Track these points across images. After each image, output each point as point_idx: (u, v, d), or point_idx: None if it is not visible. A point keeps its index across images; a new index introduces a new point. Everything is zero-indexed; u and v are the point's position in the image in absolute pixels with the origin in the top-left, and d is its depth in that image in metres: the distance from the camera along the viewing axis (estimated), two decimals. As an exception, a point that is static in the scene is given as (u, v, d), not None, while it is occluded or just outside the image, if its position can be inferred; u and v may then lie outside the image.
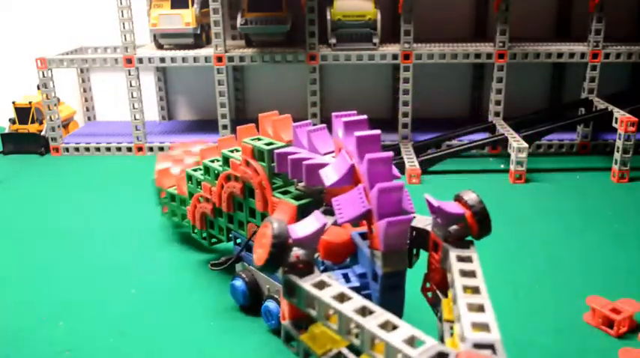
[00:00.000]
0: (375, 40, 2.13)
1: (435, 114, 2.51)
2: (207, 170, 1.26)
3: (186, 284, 1.32)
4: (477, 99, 2.52)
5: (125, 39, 2.18)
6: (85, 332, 1.15)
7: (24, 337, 1.14)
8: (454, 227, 0.90)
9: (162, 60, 2.19)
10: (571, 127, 2.15)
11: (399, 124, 2.21)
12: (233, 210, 1.20)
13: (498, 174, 1.98)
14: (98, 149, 2.30)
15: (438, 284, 0.95)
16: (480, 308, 0.76)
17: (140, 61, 2.20)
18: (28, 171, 2.13)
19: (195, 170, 1.32)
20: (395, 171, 0.90)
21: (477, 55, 2.13)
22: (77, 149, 2.30)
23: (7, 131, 2.32)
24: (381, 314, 0.75)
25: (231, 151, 1.19)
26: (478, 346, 0.68)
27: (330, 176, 0.90)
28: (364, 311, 0.77)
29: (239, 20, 2.16)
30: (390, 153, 0.86)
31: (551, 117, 2.16)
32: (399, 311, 0.89)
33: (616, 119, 1.89)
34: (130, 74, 2.22)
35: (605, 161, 2.05)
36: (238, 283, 1.18)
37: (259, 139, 1.13)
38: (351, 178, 0.89)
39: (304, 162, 0.97)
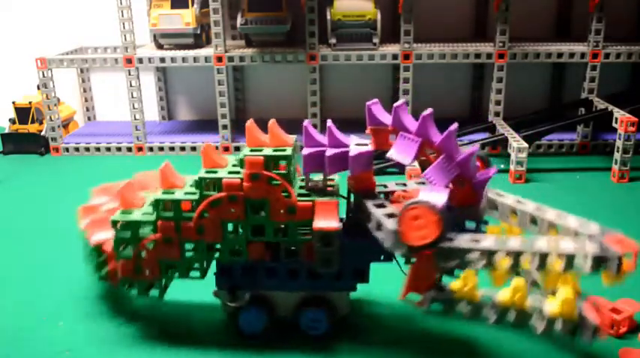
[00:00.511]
0: (375, 40, 2.13)
1: (435, 114, 2.50)
2: (160, 205, 1.05)
3: (187, 284, 1.32)
4: (477, 99, 2.52)
5: (125, 39, 2.18)
6: (85, 332, 1.15)
7: (24, 337, 1.14)
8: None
9: (162, 60, 2.19)
10: (571, 127, 2.15)
11: (399, 124, 2.21)
12: (221, 238, 1.05)
13: (498, 174, 1.98)
14: (98, 149, 2.30)
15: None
16: None
17: (140, 61, 2.20)
18: (28, 171, 2.13)
19: (125, 213, 1.08)
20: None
21: (477, 55, 2.13)
22: (77, 149, 2.30)
23: (7, 131, 2.32)
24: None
25: (209, 172, 1.05)
26: None
27: (403, 157, 1.01)
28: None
29: (239, 20, 2.16)
30: (455, 125, 1.01)
31: (551, 117, 2.15)
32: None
33: (616, 119, 1.89)
34: (130, 74, 2.22)
35: (605, 161, 2.05)
36: (254, 311, 1.10)
37: (259, 150, 1.04)
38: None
39: (351, 154, 1.01)
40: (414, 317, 1.17)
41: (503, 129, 2.05)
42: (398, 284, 1.04)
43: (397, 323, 1.16)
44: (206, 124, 2.51)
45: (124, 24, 2.15)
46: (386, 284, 1.11)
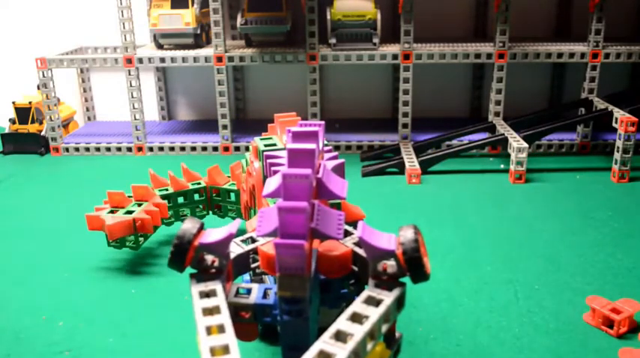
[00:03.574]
0: (375, 40, 2.13)
1: (435, 114, 2.51)
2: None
3: (187, 284, 1.32)
4: (477, 99, 2.52)
5: (125, 39, 2.18)
6: (85, 332, 1.15)
7: (24, 337, 1.14)
8: (384, 263, 0.82)
9: (163, 60, 2.19)
10: (571, 127, 2.15)
11: (399, 124, 2.21)
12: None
13: (498, 174, 1.98)
14: (98, 149, 2.30)
15: None
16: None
17: (140, 61, 2.20)
18: (28, 171, 2.13)
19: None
20: (339, 190, 0.86)
21: (477, 55, 2.13)
22: (77, 149, 2.30)
23: (7, 131, 2.32)
24: (217, 338, 0.72)
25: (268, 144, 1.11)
26: None
27: (269, 187, 0.84)
28: (209, 331, 0.74)
29: (239, 20, 2.16)
30: (309, 171, 0.79)
31: (551, 117, 2.16)
32: (303, 341, 0.81)
33: (616, 119, 1.89)
34: (130, 74, 2.22)
35: (605, 161, 2.05)
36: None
37: (270, 139, 1.09)
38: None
39: (273, 168, 0.91)
40: None
41: (503, 129, 2.05)
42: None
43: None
44: (206, 124, 2.51)
45: (124, 24, 2.15)
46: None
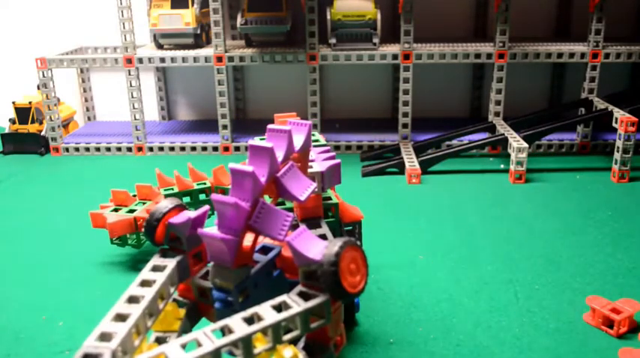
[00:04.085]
0: (375, 40, 2.13)
1: (435, 114, 2.51)
2: None
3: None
4: (477, 99, 2.52)
5: (125, 39, 2.18)
6: (85, 332, 1.15)
7: (24, 337, 1.14)
8: (307, 270, 0.83)
9: (163, 60, 2.19)
10: (571, 127, 2.15)
11: (399, 124, 2.21)
12: None
13: (498, 174, 1.98)
14: (98, 149, 2.30)
15: None
16: None
17: (140, 61, 2.20)
18: (28, 171, 2.13)
19: None
20: (298, 191, 0.89)
21: (477, 55, 2.13)
22: (77, 149, 2.30)
23: (7, 131, 2.32)
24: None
25: None
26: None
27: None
28: (130, 299, 0.81)
29: (239, 20, 2.16)
30: (251, 169, 0.83)
31: (551, 118, 2.16)
32: None
33: (616, 119, 1.89)
34: (130, 74, 2.22)
35: (605, 161, 2.05)
36: None
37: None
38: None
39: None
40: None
41: (503, 129, 2.05)
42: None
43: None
44: (206, 124, 2.51)
45: (124, 24, 2.15)
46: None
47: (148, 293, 0.82)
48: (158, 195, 1.48)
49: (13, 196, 1.89)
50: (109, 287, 1.32)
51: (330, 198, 1.14)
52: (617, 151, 1.88)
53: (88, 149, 2.30)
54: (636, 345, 1.07)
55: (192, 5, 2.20)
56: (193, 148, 2.28)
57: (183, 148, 2.28)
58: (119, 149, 2.30)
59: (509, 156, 1.95)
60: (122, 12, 2.14)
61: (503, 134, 2.00)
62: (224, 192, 1.51)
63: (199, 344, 0.73)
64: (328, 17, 2.14)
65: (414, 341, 1.10)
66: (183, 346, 0.73)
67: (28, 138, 2.29)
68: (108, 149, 2.30)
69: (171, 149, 2.28)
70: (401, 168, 2.00)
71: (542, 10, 2.43)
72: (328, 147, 1.07)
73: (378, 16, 2.12)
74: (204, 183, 1.54)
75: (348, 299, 0.82)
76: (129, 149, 2.30)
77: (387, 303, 1.21)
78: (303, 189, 0.91)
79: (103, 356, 0.71)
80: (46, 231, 1.61)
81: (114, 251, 1.47)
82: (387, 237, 1.51)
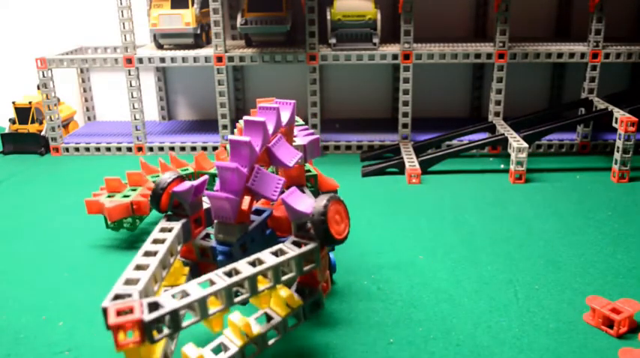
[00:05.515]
0: (375, 40, 2.13)
1: (435, 114, 2.51)
2: None
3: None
4: (477, 99, 2.52)
5: (125, 39, 2.18)
6: (85, 332, 1.15)
7: (24, 337, 1.14)
8: (300, 223, 1.00)
9: (163, 60, 2.19)
10: (571, 127, 2.15)
11: (399, 124, 2.21)
12: None
13: (498, 174, 1.98)
14: (98, 149, 2.30)
15: None
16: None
17: (140, 61, 2.20)
18: (28, 171, 2.13)
19: None
20: (287, 159, 1.04)
21: (477, 55, 2.13)
22: (77, 149, 2.30)
23: (7, 131, 2.32)
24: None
25: None
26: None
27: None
28: (147, 253, 0.94)
29: (239, 20, 2.16)
30: (248, 139, 0.98)
31: (551, 118, 2.16)
32: None
33: (616, 119, 1.89)
34: (130, 74, 2.22)
35: (605, 161, 2.05)
36: None
37: None
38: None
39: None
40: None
41: (503, 129, 2.05)
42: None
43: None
44: (206, 124, 2.51)
45: (124, 24, 2.15)
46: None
47: (161, 248, 0.94)
48: (148, 181, 1.58)
49: (13, 196, 1.89)
50: (109, 288, 1.31)
51: (309, 171, 1.34)
52: (617, 151, 1.88)
53: (88, 149, 2.30)
54: (636, 345, 1.07)
55: (192, 5, 2.20)
56: (193, 148, 2.28)
57: (183, 148, 2.28)
58: (119, 149, 2.30)
59: (509, 156, 1.95)
60: (122, 12, 2.14)
61: (503, 134, 2.00)
62: None
63: (212, 283, 0.86)
64: (328, 17, 2.14)
65: (414, 341, 1.10)
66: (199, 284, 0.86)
67: (28, 138, 2.29)
68: (108, 149, 2.30)
69: (172, 149, 2.28)
70: (401, 168, 2.00)
71: (542, 10, 2.43)
72: (307, 126, 1.25)
73: (378, 16, 2.12)
74: (187, 169, 1.66)
75: (335, 244, 0.99)
76: (129, 149, 2.30)
77: (387, 303, 1.21)
78: (290, 157, 1.07)
79: (133, 295, 0.83)
80: (46, 231, 1.61)
81: (114, 251, 1.48)
82: (387, 237, 1.51)
